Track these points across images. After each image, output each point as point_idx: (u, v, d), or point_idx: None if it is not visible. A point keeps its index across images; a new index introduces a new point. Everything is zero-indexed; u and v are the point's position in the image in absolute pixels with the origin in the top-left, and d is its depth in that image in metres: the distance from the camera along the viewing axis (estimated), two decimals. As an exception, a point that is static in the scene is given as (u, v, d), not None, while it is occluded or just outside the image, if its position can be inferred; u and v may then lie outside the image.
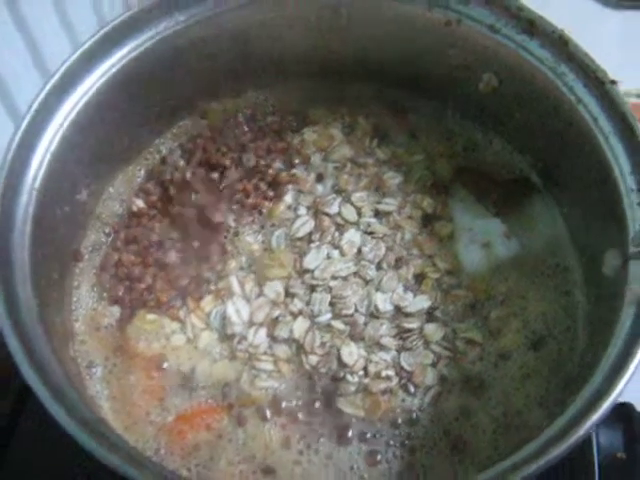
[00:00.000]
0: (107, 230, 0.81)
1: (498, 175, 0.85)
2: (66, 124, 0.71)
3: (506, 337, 0.76)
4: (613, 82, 0.70)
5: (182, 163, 0.84)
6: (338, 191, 0.84)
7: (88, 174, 0.77)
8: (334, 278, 0.77)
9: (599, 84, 0.71)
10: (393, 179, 0.84)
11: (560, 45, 0.73)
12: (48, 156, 0.69)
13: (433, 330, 0.75)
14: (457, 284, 0.78)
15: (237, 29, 0.82)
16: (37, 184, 0.67)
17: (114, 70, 0.77)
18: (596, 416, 0.56)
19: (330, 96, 0.90)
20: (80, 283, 0.78)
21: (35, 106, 0.68)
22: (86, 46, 0.73)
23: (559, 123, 0.75)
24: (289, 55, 0.87)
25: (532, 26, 0.74)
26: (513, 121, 0.83)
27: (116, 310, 0.77)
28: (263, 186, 0.83)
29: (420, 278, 0.78)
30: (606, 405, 0.57)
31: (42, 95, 0.70)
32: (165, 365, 0.74)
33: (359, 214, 0.81)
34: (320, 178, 0.85)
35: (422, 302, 0.77)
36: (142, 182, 0.85)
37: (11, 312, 0.60)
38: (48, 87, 0.70)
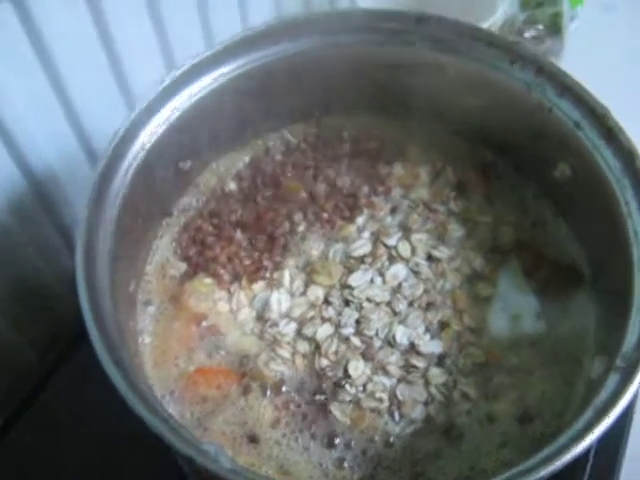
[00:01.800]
0: (200, 198, 0.94)
1: (553, 257, 0.90)
2: (187, 104, 0.84)
3: (499, 403, 0.81)
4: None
5: (280, 158, 0.96)
6: (403, 227, 0.92)
7: (198, 149, 0.90)
8: (368, 300, 0.86)
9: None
10: (456, 231, 0.91)
11: (629, 159, 0.78)
12: (164, 126, 0.82)
13: (437, 374, 0.82)
14: (475, 342, 0.84)
15: (364, 63, 0.93)
16: (148, 146, 0.81)
17: (248, 67, 0.89)
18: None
19: (430, 140, 0.98)
20: (163, 235, 0.91)
21: (165, 83, 0.82)
22: (220, 47, 0.86)
23: (616, 236, 0.79)
24: (408, 93, 0.96)
25: (610, 133, 0.79)
26: (581, 212, 0.87)
27: (183, 266, 0.90)
28: (342, 206, 0.93)
29: (444, 326, 0.85)
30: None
31: (175, 73, 0.83)
32: (204, 323, 0.86)
33: (412, 252, 0.89)
34: (393, 211, 0.94)
35: (436, 347, 0.84)
36: (242, 167, 0.97)
37: (87, 249, 0.73)
38: (178, 73, 0.83)
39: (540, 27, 1.23)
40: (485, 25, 1.11)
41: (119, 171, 0.79)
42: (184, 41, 1.07)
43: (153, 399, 0.70)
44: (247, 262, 0.89)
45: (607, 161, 0.79)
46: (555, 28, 1.25)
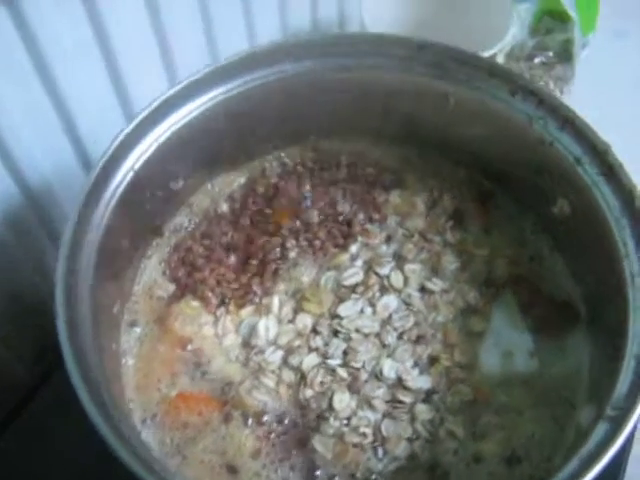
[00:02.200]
0: (193, 219, 0.93)
1: (549, 293, 0.87)
2: (182, 123, 0.83)
3: (486, 443, 0.79)
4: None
5: (275, 181, 0.95)
6: (397, 256, 0.90)
7: (191, 168, 0.88)
8: (357, 331, 0.84)
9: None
10: (450, 263, 0.89)
11: (628, 198, 0.76)
12: (155, 145, 0.81)
13: (424, 411, 0.80)
14: (464, 379, 0.82)
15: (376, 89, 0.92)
16: (137, 166, 0.80)
17: (247, 87, 0.87)
18: None
19: (428, 168, 0.96)
20: (152, 255, 0.90)
21: (157, 103, 0.80)
22: (219, 66, 0.85)
23: (613, 276, 0.77)
24: (408, 120, 0.95)
25: (610, 171, 0.77)
26: (579, 249, 0.85)
27: (171, 287, 0.88)
28: (336, 232, 0.91)
29: (433, 360, 0.83)
30: None
31: (170, 92, 0.82)
32: (189, 347, 0.84)
33: (405, 283, 0.87)
34: (388, 239, 0.92)
35: (424, 382, 0.82)
36: (236, 188, 0.95)
37: (69, 268, 0.72)
38: (172, 92, 0.82)
39: (550, 54, 1.21)
40: (494, 50, 1.09)
41: (106, 190, 0.78)
42: (186, 52, 1.06)
43: (126, 425, 0.69)
44: (236, 286, 0.87)
45: (606, 199, 0.77)
46: (566, 55, 1.22)
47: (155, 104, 0.81)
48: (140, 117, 0.80)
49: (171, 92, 0.82)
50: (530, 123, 0.82)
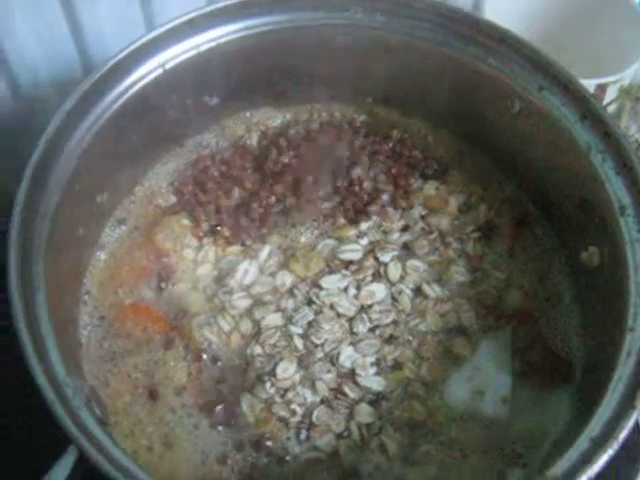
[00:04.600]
0: (221, 142, 0.89)
1: (551, 343, 0.78)
2: (228, 38, 0.79)
3: (414, 473, 0.71)
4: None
5: (316, 130, 0.89)
6: (406, 248, 0.83)
7: (231, 89, 0.85)
8: (331, 307, 0.78)
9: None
10: (459, 275, 0.81)
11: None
12: (194, 51, 0.78)
13: (366, 413, 0.74)
14: (422, 398, 0.75)
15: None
16: (167, 65, 0.77)
17: (317, 22, 0.83)
18: None
19: (477, 171, 0.88)
20: (168, 162, 0.88)
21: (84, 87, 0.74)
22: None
23: (612, 345, 0.67)
24: (471, 114, 0.87)
25: None
26: (597, 307, 0.75)
27: (172, 199, 0.86)
28: (349, 205, 0.85)
29: (397, 366, 0.76)
30: None
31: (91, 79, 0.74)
32: (164, 260, 0.82)
33: (402, 278, 0.80)
34: (404, 229, 0.85)
35: (377, 384, 0.75)
36: (274, 125, 0.90)
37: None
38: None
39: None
40: (611, 79, 0.98)
41: (127, 78, 0.75)
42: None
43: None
44: (232, 222, 0.83)
45: (637, 261, 0.67)
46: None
47: (208, 9, 0.77)
48: (182, 19, 0.76)
49: (226, 3, 0.78)
50: (589, 153, 0.73)
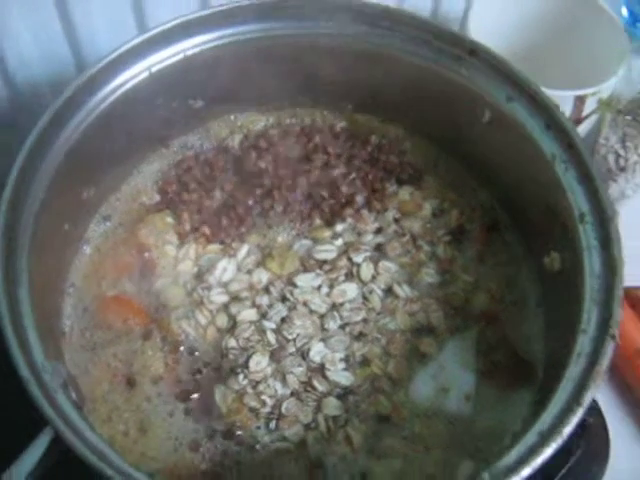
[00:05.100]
0: (205, 144, 0.92)
1: (516, 345, 0.80)
2: (213, 44, 0.82)
3: (379, 466, 0.75)
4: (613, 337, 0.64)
5: (296, 133, 0.92)
6: (378, 249, 0.86)
7: (215, 93, 0.88)
8: (304, 305, 0.81)
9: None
10: (429, 277, 0.84)
11: (611, 276, 0.69)
12: (180, 55, 0.81)
13: (333, 405, 0.77)
14: (388, 393, 0.78)
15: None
16: (154, 69, 0.80)
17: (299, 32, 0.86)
18: None
19: (451, 177, 0.91)
20: (154, 161, 0.91)
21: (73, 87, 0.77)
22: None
23: (566, 348, 0.69)
24: (446, 123, 0.90)
25: (607, 241, 0.70)
26: (559, 311, 0.78)
27: (156, 197, 0.89)
28: (326, 208, 0.88)
29: (365, 363, 0.80)
30: None
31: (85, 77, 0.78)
32: (146, 255, 0.85)
33: (372, 279, 0.83)
34: (378, 231, 0.88)
35: (345, 379, 0.78)
36: (256, 129, 0.94)
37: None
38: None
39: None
40: (589, 90, 1.00)
41: (114, 80, 0.78)
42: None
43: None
44: (214, 221, 0.86)
45: (593, 268, 0.70)
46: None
47: (196, 15, 0.81)
48: (171, 24, 0.80)
49: (213, 10, 0.81)
50: (553, 163, 0.76)
